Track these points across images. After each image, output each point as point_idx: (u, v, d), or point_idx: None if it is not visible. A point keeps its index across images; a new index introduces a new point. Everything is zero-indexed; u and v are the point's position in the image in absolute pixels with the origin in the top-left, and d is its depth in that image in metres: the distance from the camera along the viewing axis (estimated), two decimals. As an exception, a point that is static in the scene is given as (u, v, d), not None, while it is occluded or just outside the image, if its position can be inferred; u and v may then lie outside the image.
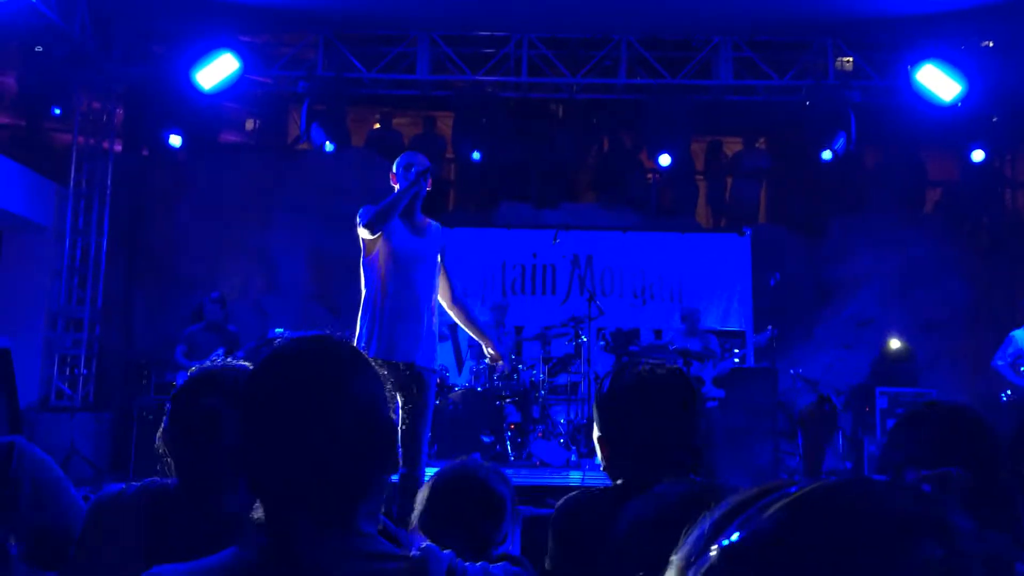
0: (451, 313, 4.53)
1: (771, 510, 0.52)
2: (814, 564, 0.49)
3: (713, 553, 0.52)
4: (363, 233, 4.23)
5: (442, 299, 4.49)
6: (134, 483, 1.73)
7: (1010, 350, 7.69)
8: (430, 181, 4.41)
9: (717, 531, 0.53)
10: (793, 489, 0.54)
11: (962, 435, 1.70)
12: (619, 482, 1.88)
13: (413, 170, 4.32)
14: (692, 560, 0.53)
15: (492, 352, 4.59)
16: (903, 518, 0.50)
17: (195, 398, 1.74)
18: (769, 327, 8.03)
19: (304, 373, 1.15)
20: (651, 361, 1.91)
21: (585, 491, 1.93)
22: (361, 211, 4.25)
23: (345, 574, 1.08)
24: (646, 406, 1.83)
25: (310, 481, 1.11)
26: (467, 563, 1.24)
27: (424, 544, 1.21)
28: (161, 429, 1.80)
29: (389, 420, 1.20)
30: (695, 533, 0.55)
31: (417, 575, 1.15)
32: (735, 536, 0.52)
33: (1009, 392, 7.63)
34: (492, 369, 7.74)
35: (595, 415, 1.97)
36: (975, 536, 0.50)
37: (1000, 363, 7.68)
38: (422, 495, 2.10)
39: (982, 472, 1.56)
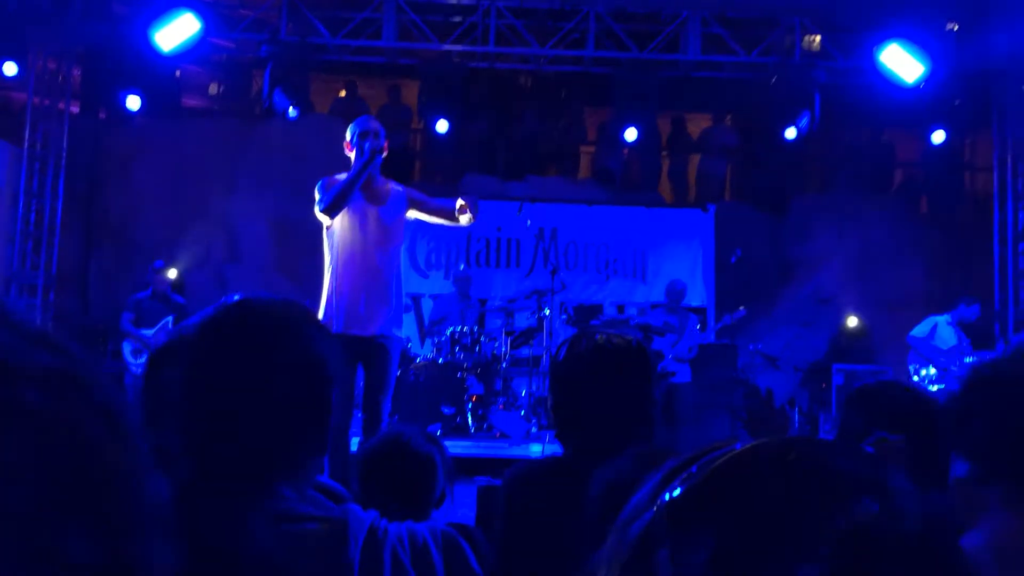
0: (455, 218, 4.36)
1: (714, 465, 0.53)
2: (752, 517, 0.50)
3: (654, 509, 0.52)
4: (321, 218, 4.22)
5: (442, 220, 4.38)
6: None
7: (927, 330, 7.74)
8: (386, 148, 4.34)
9: (661, 488, 0.54)
10: (738, 446, 0.55)
11: (907, 408, 1.78)
12: (569, 451, 1.88)
13: (367, 143, 4.23)
14: (634, 518, 0.53)
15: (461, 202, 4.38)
16: (841, 474, 0.51)
17: (163, 370, 1.69)
18: (740, 308, 8.09)
19: (245, 332, 1.15)
20: (608, 331, 1.92)
21: (534, 461, 1.96)
22: (319, 187, 4.21)
23: (250, 535, 1.06)
24: (599, 374, 1.83)
25: (226, 439, 1.10)
26: (393, 523, 1.24)
27: (346, 504, 1.21)
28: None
29: (322, 384, 1.19)
30: (640, 492, 0.55)
31: (336, 535, 1.14)
32: (676, 491, 0.52)
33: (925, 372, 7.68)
34: (454, 341, 7.73)
35: (550, 384, 1.98)
36: (913, 496, 0.51)
37: (919, 336, 7.74)
38: (357, 459, 2.11)
39: (924, 441, 1.61)
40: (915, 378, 7.64)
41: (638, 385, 1.84)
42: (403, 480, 2.01)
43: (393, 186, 4.42)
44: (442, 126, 9.25)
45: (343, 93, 11.31)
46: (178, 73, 10.74)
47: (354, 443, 4.29)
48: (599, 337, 1.87)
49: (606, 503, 1.17)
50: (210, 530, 1.01)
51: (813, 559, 0.47)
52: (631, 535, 0.53)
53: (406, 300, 8.22)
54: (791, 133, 9.04)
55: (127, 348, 7.77)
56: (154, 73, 8.97)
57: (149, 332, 7.69)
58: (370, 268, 4.24)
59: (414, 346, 8.54)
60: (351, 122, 4.43)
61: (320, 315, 4.20)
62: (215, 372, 1.12)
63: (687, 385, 7.88)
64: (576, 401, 1.86)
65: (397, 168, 10.01)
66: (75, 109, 9.68)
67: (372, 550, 1.15)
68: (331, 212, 4.14)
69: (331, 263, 4.26)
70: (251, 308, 1.17)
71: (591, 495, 1.25)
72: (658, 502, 0.53)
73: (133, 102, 9.00)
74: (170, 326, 7.59)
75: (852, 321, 9.64)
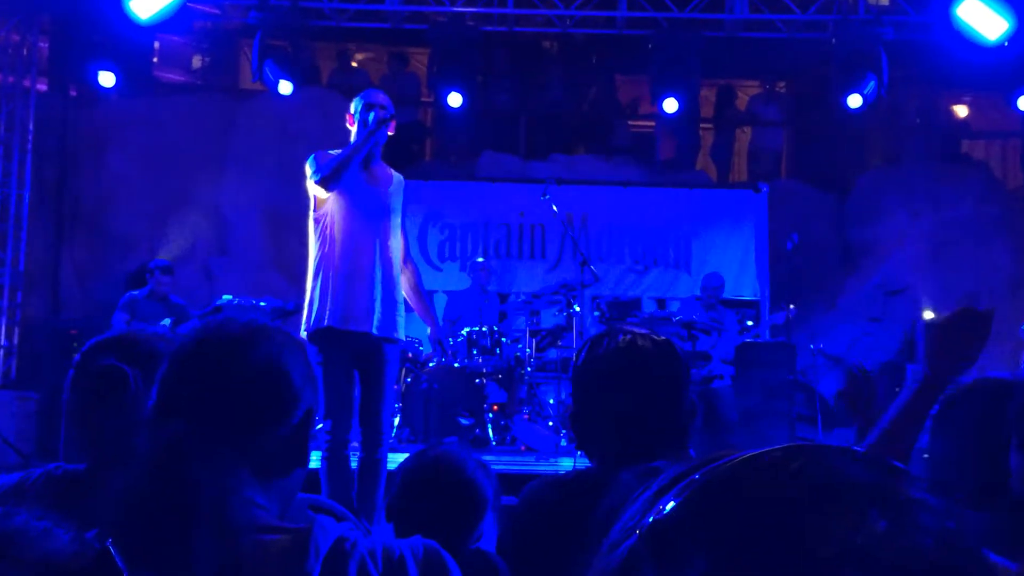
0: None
1: (708, 478, 0.53)
2: (746, 535, 0.50)
3: (638, 531, 0.52)
4: (315, 190, 4.22)
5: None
6: (36, 469, 1.70)
7: None
8: (392, 126, 4.39)
9: (652, 504, 0.53)
10: (743, 454, 0.54)
11: (1012, 415, 1.63)
12: (593, 464, 1.88)
13: (373, 114, 4.28)
14: (621, 540, 0.53)
15: (432, 335, 4.70)
16: (846, 485, 0.51)
17: (94, 359, 1.74)
18: (788, 306, 8.03)
19: (205, 352, 1.32)
20: (634, 329, 1.91)
21: (553, 476, 1.93)
22: (312, 161, 4.22)
23: (208, 547, 1.16)
24: (622, 378, 1.82)
25: (190, 446, 1.23)
26: (366, 537, 1.29)
27: (315, 516, 1.28)
28: (64, 401, 1.78)
29: (286, 399, 1.33)
30: (630, 509, 0.55)
31: (298, 547, 1.20)
32: (668, 506, 0.52)
33: None
34: (472, 343, 7.73)
35: (571, 390, 1.98)
36: (936, 511, 0.50)
37: None
38: (395, 482, 2.10)
39: None
40: None
41: (667, 390, 1.83)
42: (449, 511, 2.02)
43: (392, 172, 4.48)
44: (455, 99, 9.23)
45: (351, 63, 11.33)
46: (157, 45, 10.81)
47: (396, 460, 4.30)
48: (622, 336, 1.86)
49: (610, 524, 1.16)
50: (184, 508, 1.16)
51: None
52: (615, 560, 0.53)
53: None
54: (854, 101, 8.95)
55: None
56: (130, 45, 9.01)
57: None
58: (370, 256, 4.25)
59: (426, 348, 8.53)
60: (350, 96, 4.52)
61: (306, 312, 4.24)
62: (177, 397, 1.30)
63: (729, 388, 7.85)
64: (597, 409, 1.85)
65: (405, 148, 10.07)
66: (42, 87, 9.75)
67: (335, 563, 1.20)
68: (329, 183, 4.14)
69: (320, 250, 4.27)
70: (214, 329, 1.35)
71: (595, 516, 1.26)
72: (647, 519, 0.53)
73: (106, 78, 9.04)
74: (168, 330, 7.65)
75: (929, 315, 9.53)
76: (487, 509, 2.08)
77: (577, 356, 1.94)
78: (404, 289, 4.50)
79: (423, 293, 4.64)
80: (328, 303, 4.18)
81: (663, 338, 1.89)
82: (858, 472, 0.52)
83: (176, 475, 1.21)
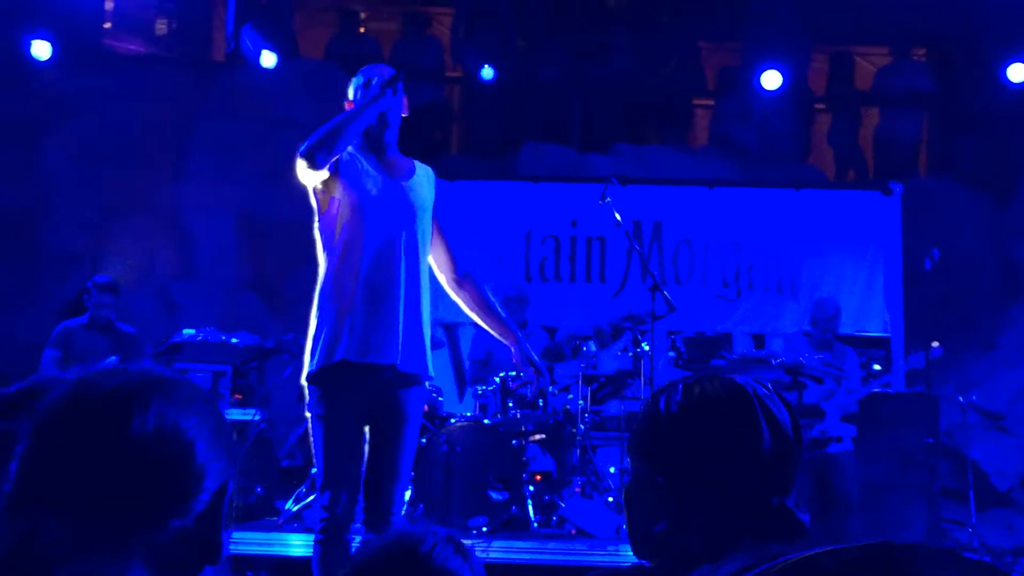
0: (454, 295, 4.53)
1: None
2: None
3: None
4: (303, 172, 4.18)
5: (439, 275, 4.50)
6: None
7: None
8: (405, 104, 4.37)
9: None
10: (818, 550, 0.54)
11: None
12: (658, 559, 1.86)
13: (375, 83, 4.26)
14: None
15: (519, 358, 4.50)
16: None
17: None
18: (930, 344, 7.90)
19: (83, 423, 1.32)
20: (715, 376, 1.89)
21: (609, 572, 1.95)
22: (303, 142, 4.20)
23: None
24: (692, 442, 1.81)
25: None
26: None
27: None
28: None
29: (178, 475, 1.33)
30: None
31: None
32: None
33: None
34: (507, 392, 7.65)
35: (629, 459, 2.04)
36: None
37: None
38: None
39: None
40: None
41: (761, 458, 1.80)
42: None
43: (416, 163, 4.47)
44: (488, 73, 9.23)
45: (347, 28, 11.38)
46: (110, 5, 10.94)
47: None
48: (696, 387, 1.84)
49: None
50: None
51: None
52: None
53: (437, 331, 8.18)
54: (1017, 73, 8.83)
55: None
56: (73, 6, 9.12)
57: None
58: (392, 267, 4.21)
59: (448, 401, 8.48)
60: (354, 69, 4.49)
61: (310, 346, 4.21)
62: (38, 481, 1.31)
63: (850, 454, 7.76)
64: (658, 486, 1.84)
65: (423, 137, 10.07)
66: (-40, 60, 9.89)
67: None
68: (314, 157, 4.07)
69: (329, 264, 4.26)
70: (87, 387, 1.35)
71: None
72: None
73: (41, 48, 9.15)
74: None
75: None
76: None
77: (642, 413, 1.93)
78: (470, 310, 4.52)
79: (492, 305, 4.57)
80: (343, 331, 4.14)
81: (752, 384, 1.87)
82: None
83: None
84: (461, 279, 4.49)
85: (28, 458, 1.32)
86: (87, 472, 1.29)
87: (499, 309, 4.62)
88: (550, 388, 7.94)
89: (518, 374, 4.76)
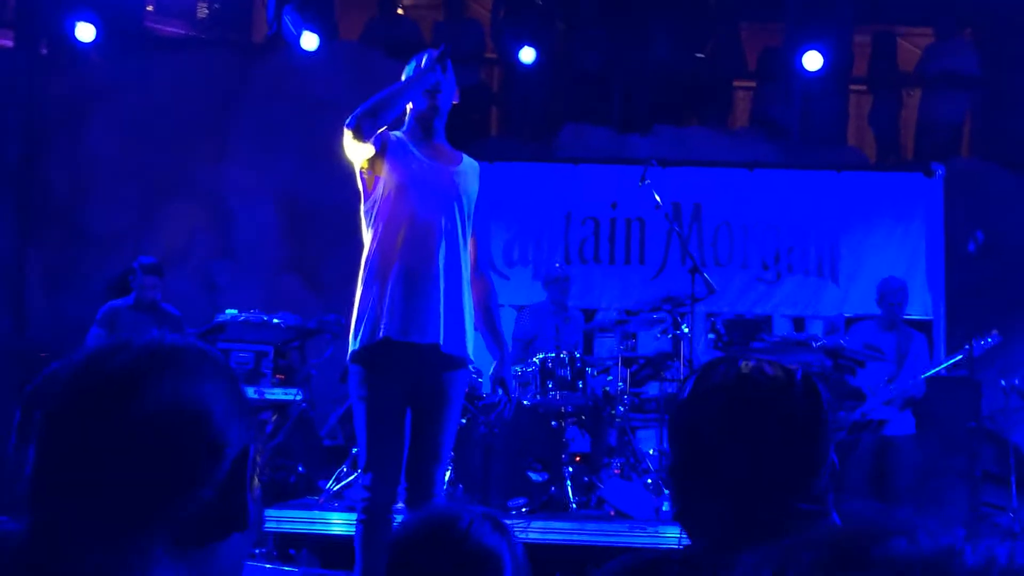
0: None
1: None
2: None
3: None
4: (349, 144, 4.24)
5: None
6: None
7: None
8: (458, 92, 4.46)
9: None
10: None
11: None
12: (697, 540, 1.86)
13: (427, 56, 4.37)
14: None
15: (495, 376, 4.63)
16: None
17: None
18: (992, 332, 7.83)
19: (93, 401, 1.28)
20: (761, 356, 1.87)
21: (647, 555, 1.93)
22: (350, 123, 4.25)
23: None
24: (739, 422, 1.79)
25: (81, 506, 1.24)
26: None
27: None
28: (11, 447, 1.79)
29: (193, 447, 1.29)
30: None
31: None
32: None
33: None
34: (546, 373, 7.67)
35: (669, 436, 1.98)
36: None
37: None
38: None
39: None
40: None
41: (800, 439, 1.80)
42: None
43: (463, 155, 4.56)
44: (528, 55, 9.22)
45: (386, 10, 11.39)
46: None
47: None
48: (743, 365, 1.82)
49: None
50: None
51: None
52: None
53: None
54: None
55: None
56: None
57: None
58: (433, 248, 4.27)
59: (486, 382, 8.50)
60: (393, 52, 4.68)
61: (354, 324, 4.27)
62: (54, 465, 1.28)
63: (910, 439, 7.67)
64: (705, 464, 1.82)
65: (464, 118, 10.06)
66: (6, 42, 9.96)
67: None
68: (361, 128, 4.14)
69: (373, 244, 4.32)
70: (94, 363, 1.32)
71: None
72: None
73: (85, 31, 9.20)
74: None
75: None
76: None
77: (680, 389, 1.92)
78: (475, 306, 4.54)
79: (494, 315, 4.64)
80: (386, 310, 4.20)
81: (797, 368, 1.85)
82: None
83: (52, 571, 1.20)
84: (475, 278, 4.53)
85: (42, 447, 1.30)
86: (101, 457, 1.26)
87: (498, 321, 4.67)
88: (589, 370, 7.96)
89: (491, 395, 4.82)
